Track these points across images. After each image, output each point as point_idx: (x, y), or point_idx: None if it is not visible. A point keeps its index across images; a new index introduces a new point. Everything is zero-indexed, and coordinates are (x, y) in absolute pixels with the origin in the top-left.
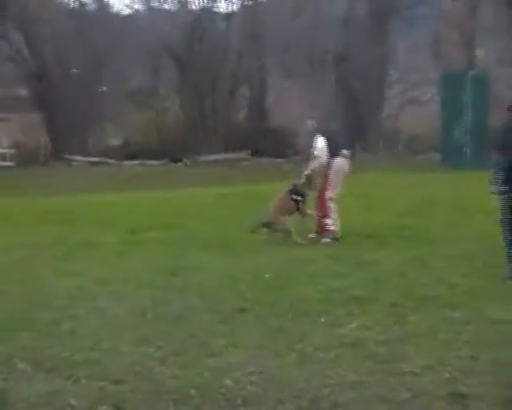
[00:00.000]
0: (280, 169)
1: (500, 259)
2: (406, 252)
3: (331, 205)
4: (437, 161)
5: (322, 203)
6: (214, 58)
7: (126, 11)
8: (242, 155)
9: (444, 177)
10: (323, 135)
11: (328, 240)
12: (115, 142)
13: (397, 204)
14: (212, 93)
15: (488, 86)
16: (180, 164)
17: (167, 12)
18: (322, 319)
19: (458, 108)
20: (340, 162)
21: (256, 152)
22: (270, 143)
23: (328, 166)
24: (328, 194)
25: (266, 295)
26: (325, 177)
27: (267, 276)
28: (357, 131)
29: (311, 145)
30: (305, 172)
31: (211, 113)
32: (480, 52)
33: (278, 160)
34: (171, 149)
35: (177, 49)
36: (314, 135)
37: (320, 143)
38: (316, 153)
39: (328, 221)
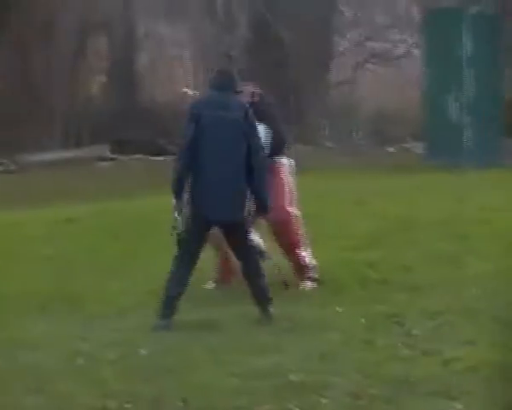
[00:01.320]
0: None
1: None
2: (372, 306)
3: (298, 228)
4: (419, 156)
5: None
6: None
7: None
8: (98, 151)
9: (430, 181)
10: (262, 117)
11: (310, 284)
12: None
13: (356, 228)
14: (44, 49)
15: (498, 31)
16: None
17: None
18: None
19: (452, 68)
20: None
21: (120, 146)
22: (143, 132)
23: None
24: (289, 210)
25: (142, 385)
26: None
27: (144, 352)
28: (286, 108)
29: None
30: None
31: (44, 82)
32: None
33: (156, 158)
34: None
35: None
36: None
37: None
38: None
39: (302, 253)
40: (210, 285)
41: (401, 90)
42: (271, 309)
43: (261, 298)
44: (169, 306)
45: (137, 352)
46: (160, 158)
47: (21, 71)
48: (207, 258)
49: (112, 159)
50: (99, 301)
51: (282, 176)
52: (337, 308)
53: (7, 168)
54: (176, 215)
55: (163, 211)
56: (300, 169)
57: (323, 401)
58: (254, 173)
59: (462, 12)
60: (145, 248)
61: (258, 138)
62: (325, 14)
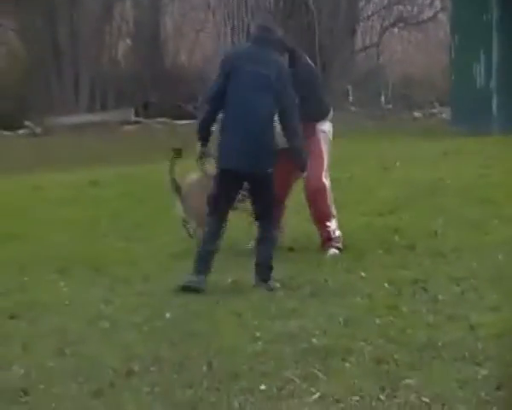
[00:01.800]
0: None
1: None
2: (397, 271)
3: (328, 195)
4: (445, 121)
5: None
6: None
7: None
8: (123, 114)
9: (457, 146)
10: (304, 82)
11: (335, 252)
12: None
13: (380, 193)
14: (69, 13)
15: None
16: (21, 132)
17: None
18: (262, 387)
19: (480, 32)
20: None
21: (145, 110)
22: (168, 96)
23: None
24: (324, 181)
25: (168, 348)
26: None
27: (168, 316)
28: None
29: None
30: None
31: (68, 46)
32: None
33: (181, 122)
34: (4, 107)
35: None
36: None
37: None
38: None
39: (331, 225)
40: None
41: (428, 54)
42: (270, 283)
43: (262, 263)
44: (203, 261)
45: (162, 315)
46: (185, 122)
47: (48, 35)
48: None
49: (136, 122)
50: (123, 264)
51: (322, 145)
52: (361, 273)
53: (32, 131)
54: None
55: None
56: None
57: (347, 365)
58: (287, 132)
59: None
60: (169, 213)
61: (291, 98)
62: None
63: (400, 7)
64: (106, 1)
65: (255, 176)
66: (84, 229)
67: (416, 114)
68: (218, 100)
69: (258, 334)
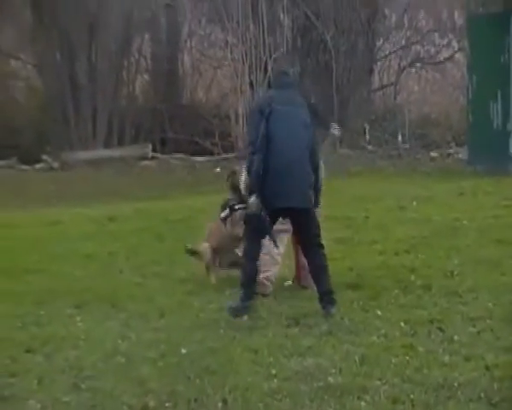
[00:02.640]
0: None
1: None
2: (413, 311)
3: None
4: (462, 161)
5: None
6: None
7: None
8: (140, 150)
9: (473, 186)
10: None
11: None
12: None
13: (396, 232)
14: (87, 48)
15: None
16: (39, 166)
17: None
18: None
19: (497, 73)
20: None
21: (162, 145)
22: (185, 132)
23: None
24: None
25: (183, 383)
26: None
27: (184, 351)
28: (327, 110)
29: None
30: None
31: (86, 81)
32: None
33: (198, 158)
34: (22, 141)
35: None
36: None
37: None
38: None
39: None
40: (289, 283)
41: (445, 94)
42: (333, 308)
43: (324, 291)
44: (249, 286)
45: (178, 351)
46: (202, 158)
47: (66, 70)
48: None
49: (153, 158)
50: (139, 300)
51: None
52: (378, 312)
53: (49, 166)
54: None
55: (204, 211)
56: (344, 172)
57: (363, 404)
58: (314, 169)
59: (507, 17)
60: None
61: (316, 135)
62: (369, 18)
63: (418, 47)
64: (124, 36)
65: (298, 210)
66: (101, 264)
67: (433, 153)
68: (265, 145)
69: (273, 371)
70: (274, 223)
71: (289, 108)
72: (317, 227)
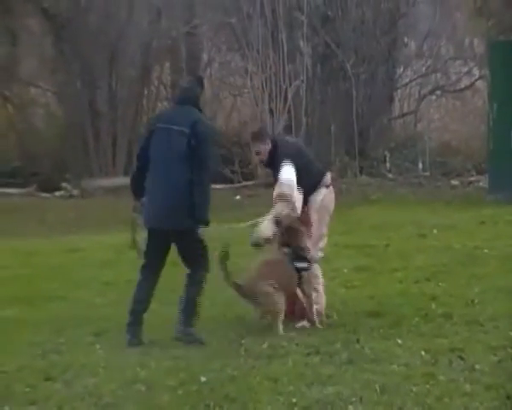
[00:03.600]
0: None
1: None
2: (434, 339)
3: (317, 271)
4: (483, 190)
5: None
6: (112, 17)
7: None
8: None
9: (494, 215)
10: (288, 154)
11: (305, 324)
12: None
13: (417, 260)
14: (107, 76)
15: None
16: (58, 194)
17: None
18: None
19: None
20: (325, 196)
21: None
22: None
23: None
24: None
25: None
26: (300, 223)
27: (204, 379)
28: (347, 138)
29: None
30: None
31: (106, 109)
32: None
33: (217, 186)
34: (42, 168)
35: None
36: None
37: (287, 171)
38: (281, 189)
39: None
40: (303, 324)
41: (465, 122)
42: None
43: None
44: (134, 319)
45: (197, 379)
46: (221, 185)
47: (86, 97)
48: None
49: None
50: (158, 327)
51: (312, 216)
52: (398, 341)
53: (69, 193)
54: (135, 215)
55: (221, 238)
56: (364, 200)
57: None
58: (194, 188)
59: None
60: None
61: (205, 154)
62: (389, 46)
63: (438, 75)
64: (144, 64)
65: (170, 231)
66: (120, 291)
67: (454, 181)
68: (144, 159)
69: (294, 400)
70: (161, 247)
71: (168, 127)
72: (197, 250)
